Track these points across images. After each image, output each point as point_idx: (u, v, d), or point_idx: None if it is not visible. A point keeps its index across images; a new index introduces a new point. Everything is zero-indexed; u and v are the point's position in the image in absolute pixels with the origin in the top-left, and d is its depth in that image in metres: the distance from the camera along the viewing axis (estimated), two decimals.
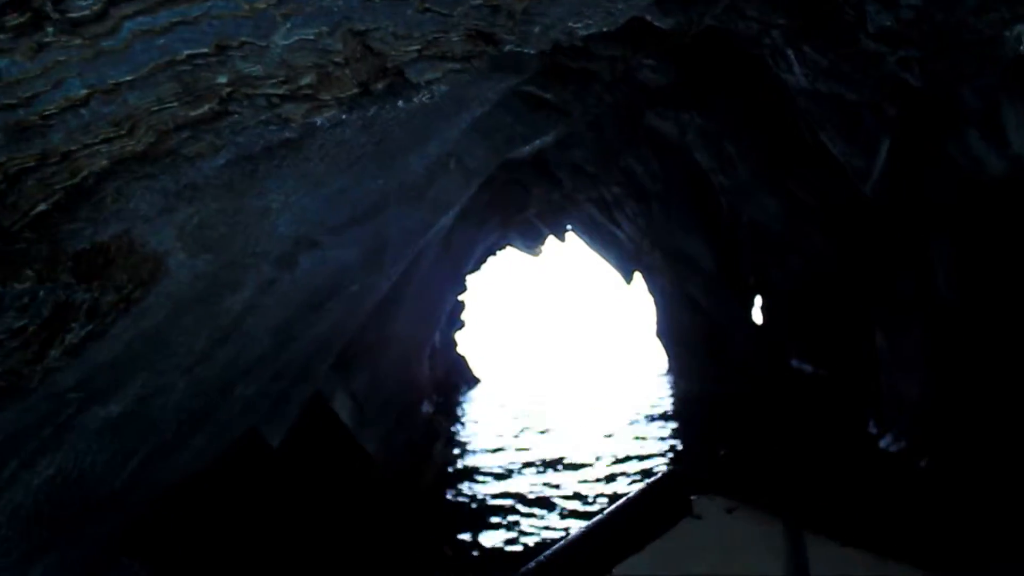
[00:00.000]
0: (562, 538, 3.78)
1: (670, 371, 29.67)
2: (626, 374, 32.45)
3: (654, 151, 20.91)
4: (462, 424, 20.69)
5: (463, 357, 32.41)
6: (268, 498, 10.97)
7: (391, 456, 14.92)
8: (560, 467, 15.02)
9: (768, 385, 21.88)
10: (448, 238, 15.06)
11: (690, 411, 22.22)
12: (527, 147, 12.14)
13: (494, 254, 32.07)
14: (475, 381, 32.61)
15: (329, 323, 9.41)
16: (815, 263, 17.53)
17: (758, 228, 18.18)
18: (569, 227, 30.66)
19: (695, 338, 24.88)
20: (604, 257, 31.42)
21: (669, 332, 27.18)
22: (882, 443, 15.46)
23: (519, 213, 19.95)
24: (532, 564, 3.88)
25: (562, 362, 41.48)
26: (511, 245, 32.05)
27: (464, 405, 25.98)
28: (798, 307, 19.73)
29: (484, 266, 32.08)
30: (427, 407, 21.99)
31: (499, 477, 14.51)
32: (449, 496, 13.54)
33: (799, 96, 12.43)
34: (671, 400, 24.31)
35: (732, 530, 3.93)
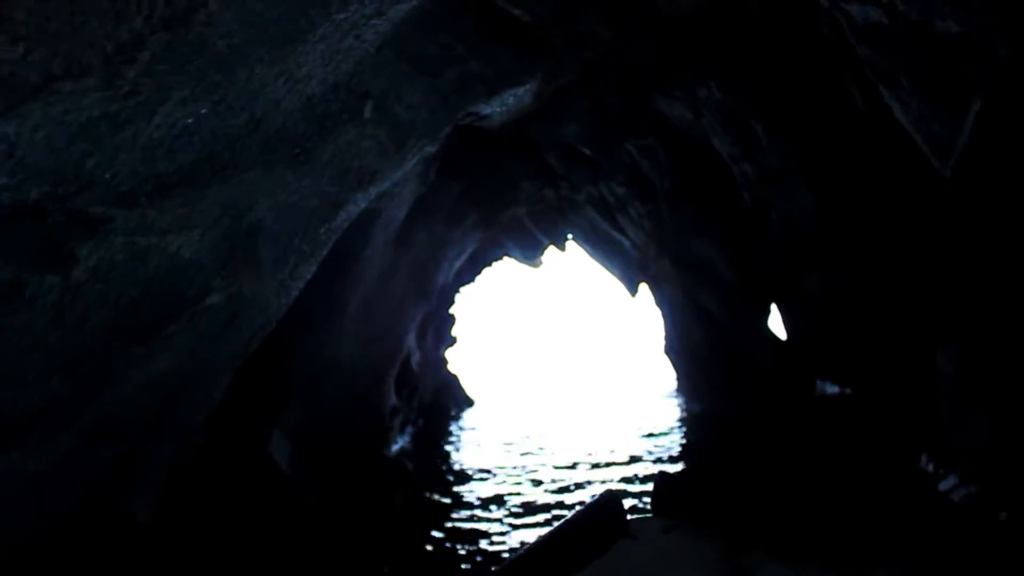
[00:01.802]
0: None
1: (679, 391, 26.13)
2: (633, 395, 28.75)
3: (663, 141, 17.43)
4: (442, 461, 17.09)
5: (455, 376, 28.88)
6: None
7: (338, 510, 11.44)
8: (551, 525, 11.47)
9: (791, 408, 18.47)
10: (405, 237, 11.53)
11: (701, 437, 18.79)
12: (496, 104, 8.64)
13: (489, 264, 28.91)
14: (468, 403, 29.05)
15: (176, 355, 5.88)
16: (858, 267, 13.97)
17: (789, 227, 14.59)
18: (569, 235, 27.49)
19: (708, 355, 21.26)
20: (607, 267, 28.20)
21: (678, 348, 23.58)
22: (943, 486, 12.14)
23: (505, 210, 16.26)
24: None
25: (564, 381, 37.80)
26: (508, 255, 28.84)
27: (452, 433, 22.44)
28: (830, 319, 16.19)
29: (479, 277, 28.88)
30: (402, 441, 18.45)
31: (472, 538, 10.94)
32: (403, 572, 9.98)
33: (860, 40, 8.95)
34: (680, 425, 20.80)
35: (669, 549, 3.65)
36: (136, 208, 4.46)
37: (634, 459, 15.95)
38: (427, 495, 13.40)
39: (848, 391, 17.72)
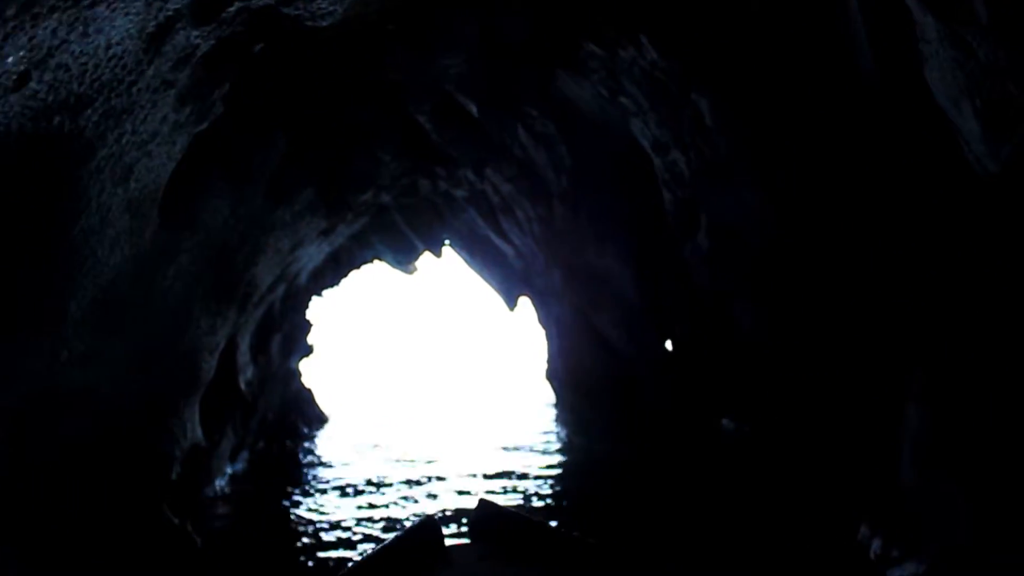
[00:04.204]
0: None
1: (560, 421, 22.53)
2: (506, 424, 24.79)
3: (564, 130, 13.82)
4: (268, 507, 12.79)
5: (309, 391, 24.50)
6: None
7: None
8: None
9: (694, 451, 15.24)
10: (180, 205, 7.28)
11: (587, 483, 15.26)
12: None
13: (357, 267, 24.98)
14: (322, 420, 24.72)
15: None
16: (809, 291, 10.61)
17: (722, 235, 11.04)
18: (447, 240, 23.88)
19: (599, 385, 17.72)
20: (485, 278, 24.67)
21: (563, 375, 19.97)
22: (897, 573, 9.11)
23: (360, 192, 12.08)
24: None
25: (433, 401, 33.55)
26: (379, 258, 24.98)
27: (299, 459, 18.13)
28: (755, 350, 12.91)
29: (344, 281, 24.88)
30: (231, 470, 14.10)
31: None
32: None
33: None
34: (560, 464, 17.17)
35: None
36: None
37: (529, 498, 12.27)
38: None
39: (746, 428, 14.72)
